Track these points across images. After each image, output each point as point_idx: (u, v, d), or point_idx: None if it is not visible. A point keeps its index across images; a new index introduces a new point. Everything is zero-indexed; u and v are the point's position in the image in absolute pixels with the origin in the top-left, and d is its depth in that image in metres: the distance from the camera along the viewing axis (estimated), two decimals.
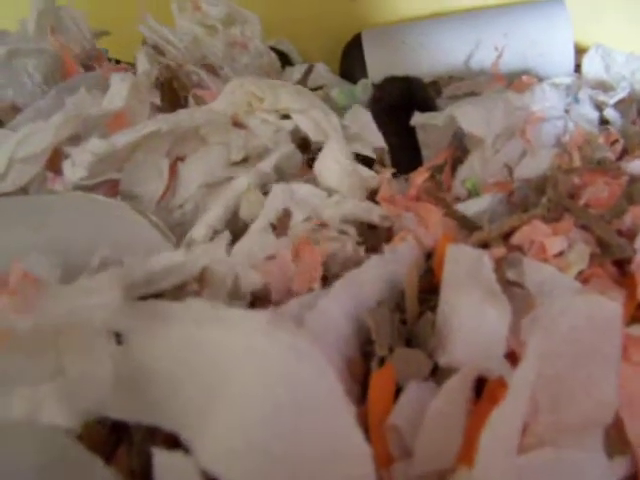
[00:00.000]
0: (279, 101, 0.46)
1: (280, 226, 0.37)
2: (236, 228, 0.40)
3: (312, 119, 0.46)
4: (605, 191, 0.37)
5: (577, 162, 0.43)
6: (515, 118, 0.50)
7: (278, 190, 0.40)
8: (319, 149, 0.46)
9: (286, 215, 0.38)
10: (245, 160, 0.45)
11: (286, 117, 0.47)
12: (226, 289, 0.32)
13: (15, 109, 0.48)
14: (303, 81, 0.67)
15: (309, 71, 0.68)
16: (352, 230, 0.38)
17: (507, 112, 0.50)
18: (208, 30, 0.62)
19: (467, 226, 0.36)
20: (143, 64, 0.51)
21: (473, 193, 0.43)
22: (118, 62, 0.60)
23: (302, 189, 0.41)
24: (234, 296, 0.32)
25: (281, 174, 0.45)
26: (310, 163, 0.47)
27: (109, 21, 0.59)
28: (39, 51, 0.52)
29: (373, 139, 0.48)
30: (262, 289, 0.33)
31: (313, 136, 0.46)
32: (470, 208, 0.39)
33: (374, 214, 0.39)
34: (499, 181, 0.43)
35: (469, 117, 0.49)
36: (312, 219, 0.38)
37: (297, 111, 0.46)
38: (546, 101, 0.53)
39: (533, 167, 0.45)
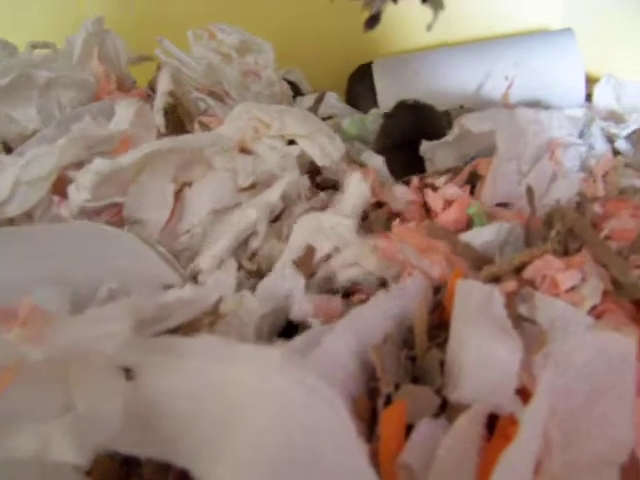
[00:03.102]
0: (285, 126, 0.46)
1: (303, 263, 0.37)
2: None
3: (318, 144, 0.46)
4: (630, 222, 0.36)
5: (601, 191, 0.42)
6: (528, 133, 0.50)
7: (302, 225, 0.40)
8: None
9: (309, 252, 0.38)
10: (253, 186, 0.44)
11: (292, 142, 0.47)
12: (240, 323, 0.32)
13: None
14: (314, 110, 0.66)
15: (320, 99, 0.68)
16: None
17: (516, 125, 0.50)
18: (223, 58, 0.63)
19: (477, 260, 0.36)
20: (165, 82, 0.50)
21: (477, 221, 0.41)
22: None
23: (329, 219, 0.40)
24: (258, 333, 0.32)
25: (288, 201, 0.45)
26: (319, 186, 0.48)
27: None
28: (81, 84, 0.51)
29: None
30: None
31: (319, 161, 0.46)
32: (474, 239, 0.37)
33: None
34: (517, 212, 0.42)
35: (477, 121, 0.49)
36: (339, 250, 0.38)
37: (303, 136, 0.46)
38: (562, 129, 0.53)
39: (564, 191, 0.45)
